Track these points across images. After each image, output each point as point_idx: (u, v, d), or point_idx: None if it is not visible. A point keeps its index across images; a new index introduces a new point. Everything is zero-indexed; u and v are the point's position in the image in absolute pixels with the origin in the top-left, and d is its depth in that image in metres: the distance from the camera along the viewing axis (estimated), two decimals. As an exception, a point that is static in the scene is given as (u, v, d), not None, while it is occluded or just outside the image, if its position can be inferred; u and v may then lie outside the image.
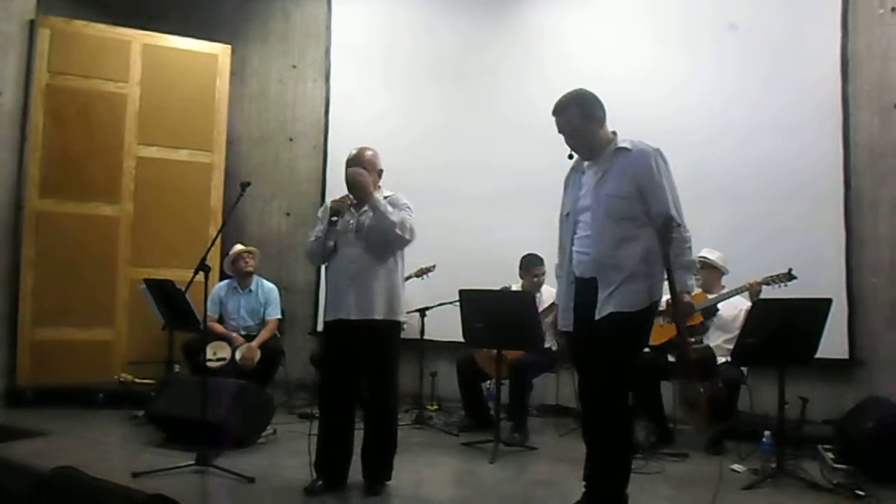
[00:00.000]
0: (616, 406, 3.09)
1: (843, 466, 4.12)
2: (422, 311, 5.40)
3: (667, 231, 2.94)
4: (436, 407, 5.74)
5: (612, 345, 3.04)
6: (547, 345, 5.02)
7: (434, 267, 5.61)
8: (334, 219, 3.59)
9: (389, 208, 3.60)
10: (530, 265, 5.27)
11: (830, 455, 4.27)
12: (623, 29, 5.85)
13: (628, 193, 3.05)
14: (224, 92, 6.59)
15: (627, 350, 3.11)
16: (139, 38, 6.29)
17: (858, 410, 4.45)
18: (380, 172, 3.80)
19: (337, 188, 6.55)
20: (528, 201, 5.82)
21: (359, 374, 3.70)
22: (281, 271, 6.70)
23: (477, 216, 6.02)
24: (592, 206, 3.13)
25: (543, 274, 5.22)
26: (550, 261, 5.29)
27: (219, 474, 3.81)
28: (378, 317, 3.60)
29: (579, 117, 3.17)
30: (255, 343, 5.47)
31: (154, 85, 6.27)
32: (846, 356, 5.06)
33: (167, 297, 4.91)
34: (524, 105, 6.00)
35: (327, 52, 6.86)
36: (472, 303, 4.61)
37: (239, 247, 5.84)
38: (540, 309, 4.84)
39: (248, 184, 4.13)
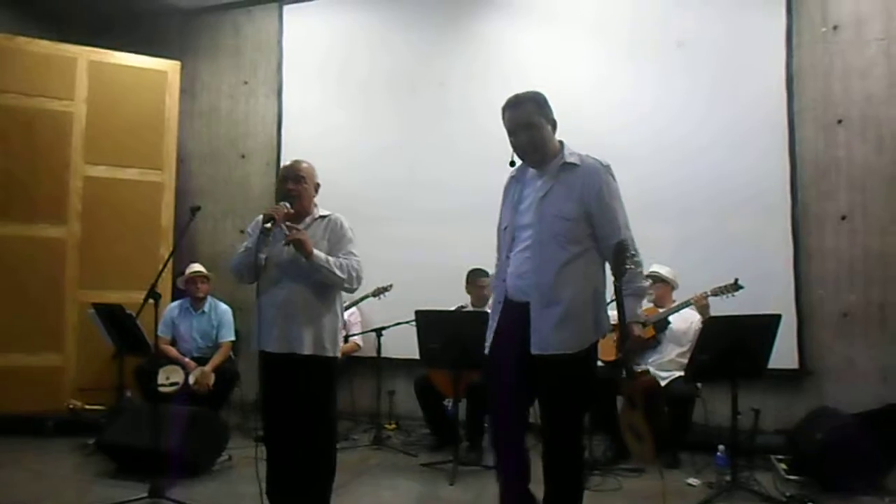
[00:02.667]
0: (569, 454, 2.84)
1: (795, 477, 4.21)
2: (378, 331, 5.36)
3: (620, 261, 2.66)
4: (394, 426, 5.71)
5: (562, 391, 2.79)
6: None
7: (391, 287, 5.59)
8: (268, 225, 3.15)
9: (334, 265, 3.25)
10: (475, 278, 5.31)
11: (783, 466, 4.37)
12: (571, 44, 5.91)
13: (575, 215, 2.78)
14: (174, 109, 6.49)
15: (580, 395, 2.83)
16: (85, 55, 6.15)
17: (808, 421, 4.54)
18: (316, 187, 3.46)
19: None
20: (484, 218, 5.81)
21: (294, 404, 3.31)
22: (235, 290, 6.57)
23: (433, 233, 6.01)
24: (534, 224, 2.83)
25: (488, 286, 5.26)
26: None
27: (172, 506, 3.73)
28: (305, 352, 3.21)
29: (537, 115, 2.88)
30: (208, 367, 5.37)
31: (101, 102, 6.13)
32: (796, 366, 5.18)
33: (117, 322, 4.81)
34: (477, 120, 5.98)
35: (279, 67, 6.80)
36: (429, 323, 4.60)
37: (195, 267, 5.72)
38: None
39: (198, 208, 4.01)
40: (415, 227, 6.07)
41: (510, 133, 2.95)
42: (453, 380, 4.64)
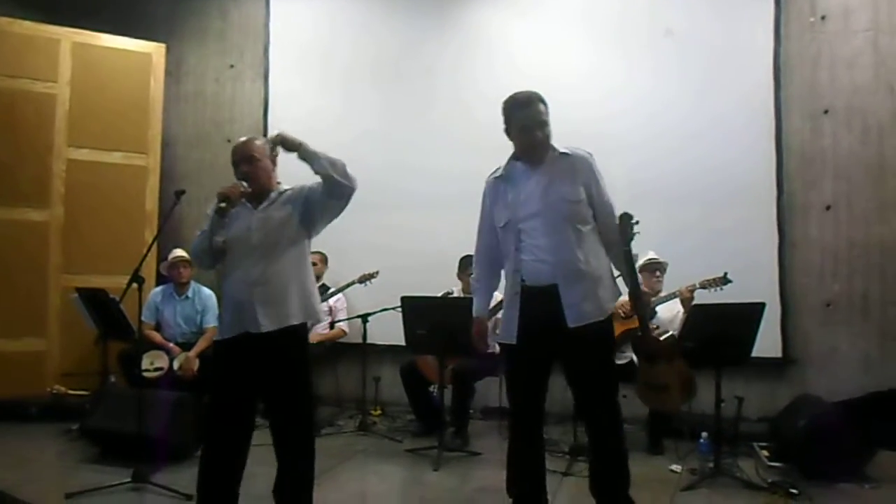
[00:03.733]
0: (616, 413, 3.06)
1: (777, 464, 4.25)
2: (364, 317, 5.35)
3: (629, 227, 3.03)
4: (379, 412, 5.71)
5: (600, 355, 3.06)
6: (490, 349, 5.03)
7: (377, 273, 5.57)
8: (223, 205, 2.99)
9: (321, 153, 3.08)
10: (467, 265, 5.29)
11: (765, 453, 4.40)
12: (560, 32, 5.88)
13: (580, 197, 3.04)
14: (158, 92, 6.42)
15: (612, 356, 3.17)
16: (69, 37, 6.06)
17: (791, 409, 4.58)
18: (274, 159, 3.23)
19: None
20: (471, 205, 5.82)
21: (256, 396, 3.11)
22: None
23: (420, 219, 6.01)
24: (542, 212, 3.02)
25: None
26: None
27: (156, 491, 3.72)
28: (295, 322, 3.07)
29: (546, 114, 3.11)
30: (192, 352, 5.34)
31: (85, 85, 6.05)
32: (779, 355, 5.22)
33: (101, 306, 4.77)
34: (464, 108, 6.02)
35: (266, 51, 6.73)
36: (414, 309, 4.60)
37: (178, 252, 5.67)
38: (482, 313, 4.86)
39: (183, 192, 3.95)
40: (401, 214, 6.06)
41: (525, 130, 3.07)
42: (439, 366, 4.64)
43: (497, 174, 3.23)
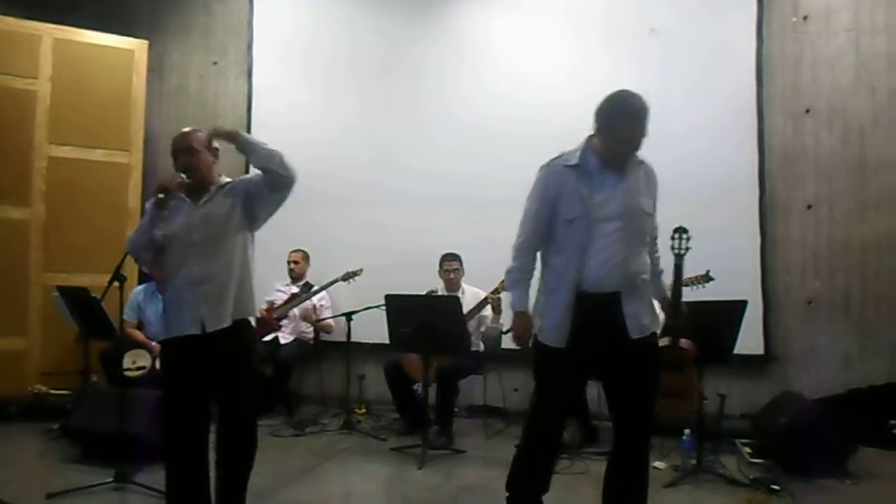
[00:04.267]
0: (650, 428, 2.99)
1: (759, 461, 4.29)
2: (348, 315, 5.34)
3: (683, 241, 3.13)
4: (364, 410, 5.70)
5: (655, 368, 3.00)
6: (473, 348, 5.05)
7: (361, 271, 5.57)
8: (161, 196, 2.89)
9: (259, 144, 2.98)
10: (443, 260, 5.33)
11: (748, 449, 4.44)
12: (545, 31, 5.90)
13: (652, 210, 3.01)
14: (141, 89, 6.36)
15: (659, 365, 3.08)
16: (50, 32, 6.00)
17: (773, 406, 4.62)
18: (215, 151, 3.12)
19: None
20: (455, 204, 5.88)
21: (207, 392, 3.03)
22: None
23: (404, 218, 6.01)
24: (622, 217, 2.85)
25: (455, 269, 5.32)
26: (476, 261, 5.39)
27: (138, 491, 3.69)
28: (237, 318, 3.01)
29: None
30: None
31: (66, 81, 5.99)
32: (762, 352, 5.26)
33: (82, 305, 4.73)
34: (449, 107, 6.04)
35: (249, 47, 6.69)
36: (399, 307, 4.58)
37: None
38: (465, 311, 4.86)
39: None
40: (386, 212, 6.06)
41: (625, 142, 2.90)
42: (423, 364, 4.63)
43: (569, 162, 2.94)
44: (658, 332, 3.00)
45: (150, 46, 6.48)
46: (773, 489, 3.80)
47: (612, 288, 2.83)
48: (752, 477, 3.99)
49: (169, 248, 3.01)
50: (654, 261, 3.10)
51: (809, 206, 5.35)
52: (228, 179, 3.14)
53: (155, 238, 2.99)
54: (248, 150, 2.98)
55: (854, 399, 5.04)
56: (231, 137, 2.99)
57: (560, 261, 2.92)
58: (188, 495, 3.02)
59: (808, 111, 5.39)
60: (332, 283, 5.70)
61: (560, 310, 2.87)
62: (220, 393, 3.03)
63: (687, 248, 3.11)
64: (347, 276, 5.60)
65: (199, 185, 3.03)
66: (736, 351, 4.18)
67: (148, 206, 3.07)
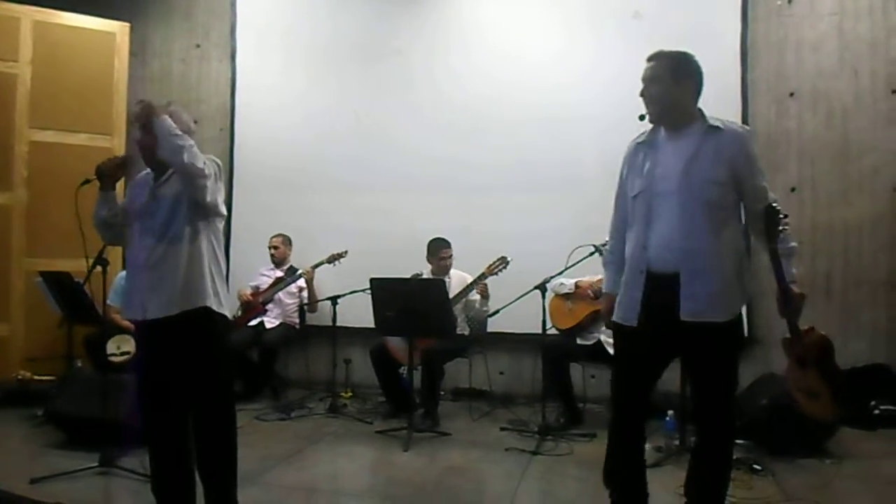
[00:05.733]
0: (727, 418, 2.80)
1: (741, 441, 4.31)
2: (333, 299, 5.33)
3: (775, 223, 2.66)
4: (350, 394, 5.71)
5: (717, 355, 2.72)
6: (459, 331, 5.06)
7: (346, 253, 5.57)
8: (92, 178, 2.83)
9: (179, 134, 2.78)
10: (436, 248, 5.31)
11: (730, 431, 4.47)
12: (531, 13, 5.87)
13: (725, 179, 2.68)
14: (123, 72, 6.30)
15: (732, 358, 2.81)
16: (29, 15, 5.91)
17: (754, 388, 4.67)
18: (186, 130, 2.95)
19: (246, 172, 6.43)
20: (442, 186, 5.88)
21: (180, 380, 2.94)
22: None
23: (391, 200, 6.01)
24: (682, 190, 2.69)
25: (450, 257, 5.31)
26: (462, 245, 5.39)
27: (123, 475, 3.69)
28: (174, 312, 2.85)
29: (662, 70, 2.82)
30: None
31: (47, 65, 5.92)
32: (744, 335, 5.27)
33: (65, 290, 4.70)
34: (436, 87, 6.02)
35: (233, 30, 6.63)
36: (383, 291, 4.58)
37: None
38: (451, 295, 4.87)
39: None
40: (371, 195, 6.05)
41: (643, 93, 2.88)
42: (408, 348, 4.64)
43: (640, 139, 2.91)
44: (729, 317, 2.70)
45: (132, 29, 6.41)
46: (755, 469, 3.85)
47: (671, 269, 2.69)
48: (734, 457, 4.01)
49: (129, 228, 2.99)
50: (773, 235, 2.70)
51: (793, 189, 5.38)
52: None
53: (111, 220, 3.00)
54: (158, 139, 2.80)
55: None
56: (148, 123, 2.82)
57: (630, 238, 2.86)
58: (172, 478, 3.00)
59: (792, 94, 5.41)
60: (318, 266, 5.71)
61: (631, 288, 2.80)
62: (185, 379, 2.94)
63: (781, 230, 2.68)
64: (332, 259, 5.61)
65: (160, 165, 2.93)
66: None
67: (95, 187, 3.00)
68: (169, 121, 2.79)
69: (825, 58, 5.37)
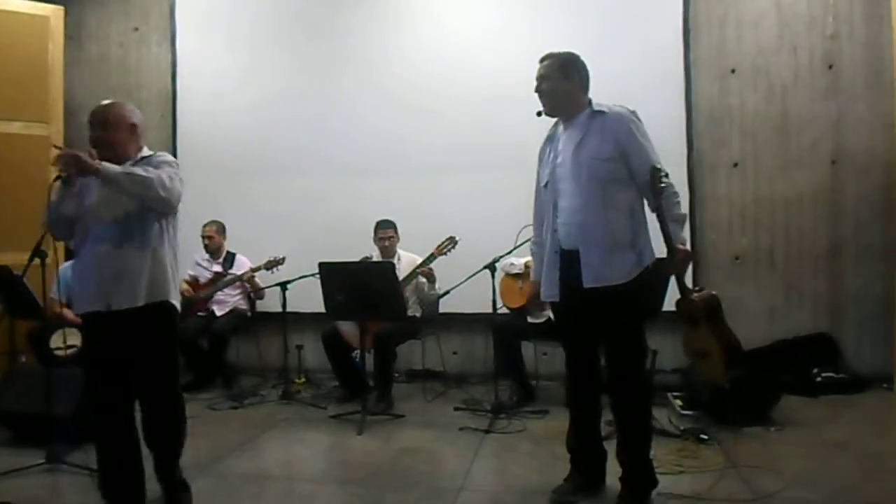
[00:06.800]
0: (636, 375, 3.06)
1: (689, 412, 4.43)
2: (283, 285, 5.28)
3: (655, 182, 2.88)
4: (303, 380, 5.68)
5: (618, 318, 2.99)
6: (410, 312, 5.06)
7: (283, 259, 5.50)
8: (63, 175, 2.76)
9: (136, 171, 2.80)
10: (377, 228, 5.30)
11: (678, 402, 4.58)
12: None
13: (612, 154, 2.96)
14: (58, 57, 6.10)
15: (631, 319, 3.02)
16: (-43, -2, 5.71)
17: (702, 360, 4.76)
18: (131, 128, 2.99)
19: (188, 158, 6.29)
20: (389, 169, 5.86)
21: (127, 373, 2.98)
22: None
23: (337, 184, 5.99)
24: (574, 171, 3.00)
25: (390, 238, 5.29)
26: (410, 226, 5.37)
27: (72, 471, 3.61)
28: (140, 303, 2.89)
29: (551, 69, 3.12)
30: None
31: (-23, 50, 5.72)
32: (659, 305, 5.38)
33: (4, 283, 4.56)
34: (380, 68, 5.98)
35: (172, 13, 6.46)
36: (333, 275, 4.55)
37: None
38: (400, 277, 4.87)
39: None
40: (318, 179, 6.01)
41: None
42: (360, 331, 4.63)
43: (548, 133, 3.27)
44: (625, 279, 2.94)
45: (67, 12, 6.21)
46: (702, 438, 3.94)
47: (574, 244, 3.00)
48: (682, 428, 4.12)
49: (79, 222, 2.96)
50: (657, 193, 2.90)
51: (735, 165, 5.49)
52: (150, 153, 3.06)
53: (63, 215, 2.96)
54: (115, 187, 2.77)
55: (778, 350, 5.24)
56: (92, 172, 2.71)
57: (546, 224, 3.17)
58: (118, 471, 2.99)
59: (733, 71, 5.50)
60: (255, 270, 5.62)
61: (550, 268, 3.13)
62: (134, 371, 2.98)
63: (662, 188, 2.87)
64: (270, 265, 5.53)
65: (114, 161, 2.86)
66: (666, 307, 4.28)
67: (57, 183, 2.91)
68: (109, 167, 2.73)
69: (765, 35, 5.46)
